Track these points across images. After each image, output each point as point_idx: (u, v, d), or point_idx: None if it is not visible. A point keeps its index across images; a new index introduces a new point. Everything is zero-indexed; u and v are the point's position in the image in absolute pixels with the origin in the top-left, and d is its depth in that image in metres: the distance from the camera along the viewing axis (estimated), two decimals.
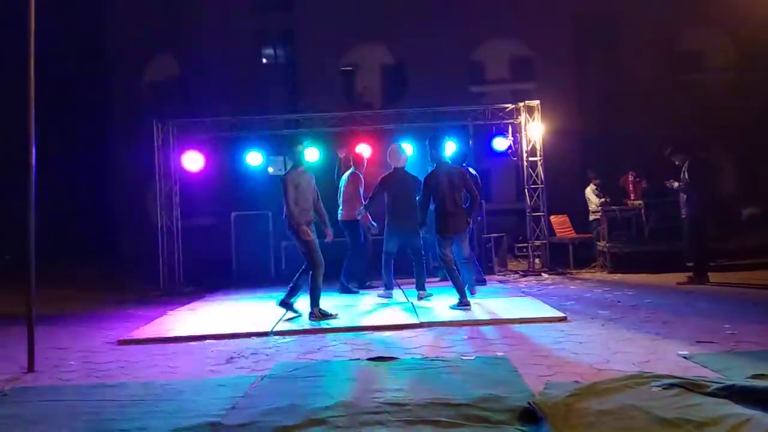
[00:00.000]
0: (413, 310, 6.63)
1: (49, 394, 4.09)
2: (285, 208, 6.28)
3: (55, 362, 5.06)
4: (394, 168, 7.54)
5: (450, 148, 8.14)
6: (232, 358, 4.95)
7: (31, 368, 4.79)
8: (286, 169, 12.08)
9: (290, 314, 6.50)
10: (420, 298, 7.25)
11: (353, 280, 8.39)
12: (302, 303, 6.46)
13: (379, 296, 7.54)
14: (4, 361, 5.12)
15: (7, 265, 12.20)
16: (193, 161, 9.83)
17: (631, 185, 10.97)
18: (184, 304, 8.06)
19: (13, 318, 6.71)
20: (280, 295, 6.64)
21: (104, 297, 9.49)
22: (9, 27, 6.38)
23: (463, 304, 6.48)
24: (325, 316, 6.25)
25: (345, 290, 8.16)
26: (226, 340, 5.67)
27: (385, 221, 7.52)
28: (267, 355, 5.02)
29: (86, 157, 14.86)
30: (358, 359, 4.66)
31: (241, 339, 5.69)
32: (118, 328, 6.52)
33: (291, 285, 6.54)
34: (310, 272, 6.30)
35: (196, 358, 5.03)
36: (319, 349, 5.15)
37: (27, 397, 4.06)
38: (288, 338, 5.65)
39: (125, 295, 9.50)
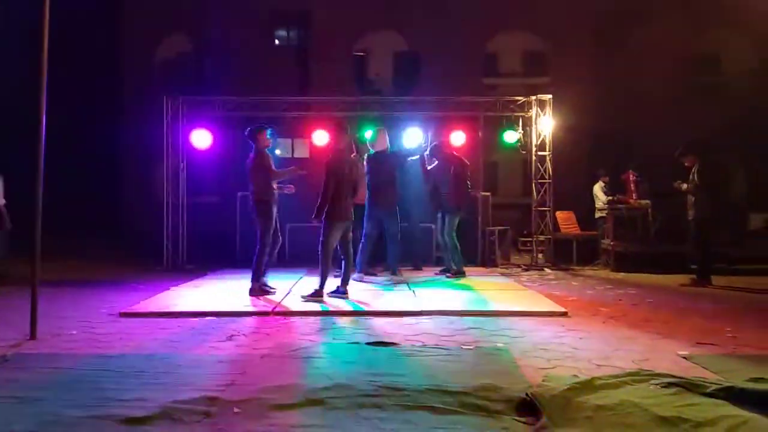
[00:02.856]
0: (414, 297, 6.64)
1: (49, 362, 4.12)
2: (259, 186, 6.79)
3: (56, 331, 5.10)
4: (377, 151, 8.05)
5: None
6: (232, 335, 4.97)
7: (33, 336, 4.83)
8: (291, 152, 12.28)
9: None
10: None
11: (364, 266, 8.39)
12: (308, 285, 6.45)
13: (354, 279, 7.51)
14: (7, 327, 5.16)
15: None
16: (201, 139, 9.81)
17: (632, 184, 10.84)
18: (186, 280, 8.09)
19: (19, 287, 6.77)
20: (282, 275, 6.68)
21: (108, 270, 9.56)
22: (24, 2, 6.37)
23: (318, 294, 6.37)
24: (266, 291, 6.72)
25: (368, 274, 8.17)
26: (227, 318, 5.70)
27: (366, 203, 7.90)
28: (267, 334, 5.05)
29: (98, 131, 14.91)
30: (358, 343, 4.68)
31: (242, 317, 5.72)
32: (121, 301, 6.56)
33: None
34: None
35: (197, 334, 5.06)
36: (319, 330, 5.17)
37: (28, 363, 4.09)
38: (289, 319, 5.67)
39: (129, 269, 9.56)
